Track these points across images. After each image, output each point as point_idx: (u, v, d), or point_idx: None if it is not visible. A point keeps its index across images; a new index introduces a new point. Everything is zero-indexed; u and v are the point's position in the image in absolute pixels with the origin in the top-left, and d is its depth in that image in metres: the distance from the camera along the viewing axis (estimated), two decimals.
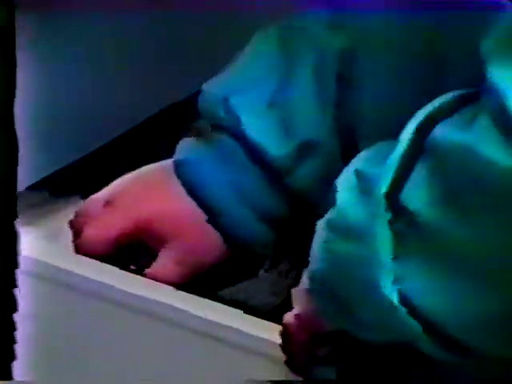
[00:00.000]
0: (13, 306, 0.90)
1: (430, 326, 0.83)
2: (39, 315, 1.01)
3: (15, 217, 0.87)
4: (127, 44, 1.13)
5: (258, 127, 1.01)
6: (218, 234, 1.04)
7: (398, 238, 0.83)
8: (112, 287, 0.96)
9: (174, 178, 1.04)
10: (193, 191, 1.04)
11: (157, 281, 1.01)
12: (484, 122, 0.82)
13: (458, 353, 0.84)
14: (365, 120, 1.00)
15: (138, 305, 0.95)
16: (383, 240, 0.84)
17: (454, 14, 0.93)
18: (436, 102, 0.87)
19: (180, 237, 1.05)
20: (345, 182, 0.88)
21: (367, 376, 0.93)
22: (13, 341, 0.92)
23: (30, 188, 1.12)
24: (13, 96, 0.89)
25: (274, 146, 1.00)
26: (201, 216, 1.04)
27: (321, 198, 0.95)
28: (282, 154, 1.00)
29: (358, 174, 0.86)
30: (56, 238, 1.06)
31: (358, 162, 0.88)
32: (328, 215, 0.87)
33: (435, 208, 0.84)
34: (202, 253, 1.06)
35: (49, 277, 0.99)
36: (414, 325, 0.82)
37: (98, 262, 1.00)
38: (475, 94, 0.84)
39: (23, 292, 0.98)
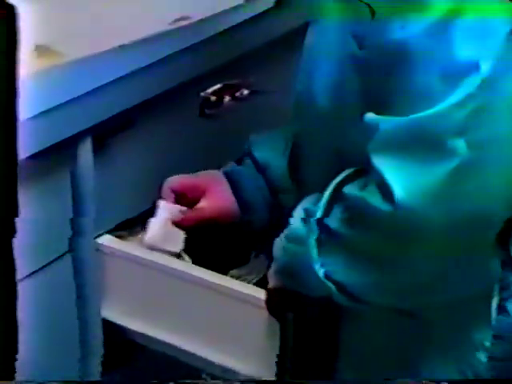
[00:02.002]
0: (13, 309, 0.93)
1: (340, 288, 1.13)
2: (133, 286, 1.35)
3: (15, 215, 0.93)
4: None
5: (262, 155, 1.40)
6: (237, 206, 1.41)
7: (323, 243, 1.14)
8: (174, 269, 1.34)
9: (222, 175, 1.41)
10: (229, 181, 1.41)
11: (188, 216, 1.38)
12: (372, 188, 1.09)
13: (354, 302, 1.14)
14: (306, 179, 1.31)
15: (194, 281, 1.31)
16: (314, 244, 1.14)
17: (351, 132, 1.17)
18: (344, 173, 1.16)
19: (214, 195, 1.42)
20: (297, 214, 1.19)
21: (308, 314, 1.25)
22: (15, 341, 0.93)
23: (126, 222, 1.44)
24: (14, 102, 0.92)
25: (276, 165, 1.37)
26: (231, 194, 1.41)
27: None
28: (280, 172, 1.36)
29: (305, 210, 1.17)
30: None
31: (304, 203, 1.19)
32: (285, 231, 1.19)
33: (345, 227, 1.13)
34: (222, 208, 1.42)
35: (145, 264, 1.35)
36: (333, 288, 1.13)
37: (164, 256, 1.34)
38: (365, 170, 1.12)
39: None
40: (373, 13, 1.11)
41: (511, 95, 1.10)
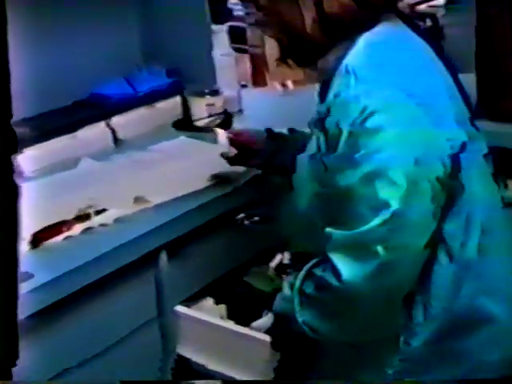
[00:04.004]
0: (14, 311, 0.80)
1: (312, 330, 1.29)
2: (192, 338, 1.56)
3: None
4: None
5: None
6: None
7: (302, 302, 1.29)
8: (218, 325, 1.55)
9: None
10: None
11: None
12: (329, 271, 1.24)
13: (320, 337, 1.30)
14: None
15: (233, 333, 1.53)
16: (297, 303, 1.29)
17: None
18: (313, 261, 1.29)
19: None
20: (285, 285, 1.34)
21: (296, 344, 1.41)
22: (16, 342, 0.79)
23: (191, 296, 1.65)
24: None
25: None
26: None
27: None
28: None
29: (290, 283, 1.32)
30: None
31: (289, 278, 1.34)
32: (279, 294, 1.35)
33: (315, 293, 1.28)
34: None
35: (203, 322, 1.55)
36: (307, 330, 1.29)
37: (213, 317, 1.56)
38: (325, 260, 1.26)
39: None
40: (326, 168, 1.28)
41: (412, 220, 1.21)
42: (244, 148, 1.63)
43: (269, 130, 1.62)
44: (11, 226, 0.75)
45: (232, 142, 1.64)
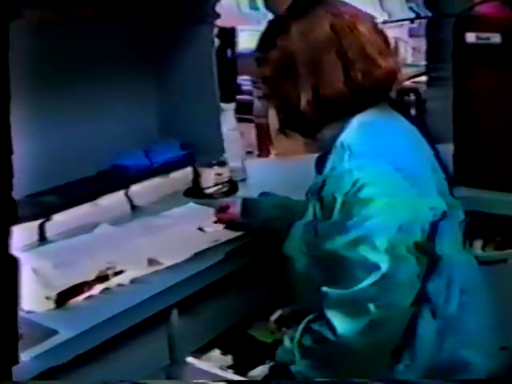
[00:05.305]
0: (14, 311, 0.77)
1: (304, 378, 1.34)
2: None
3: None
4: None
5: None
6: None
7: (301, 353, 1.34)
8: (219, 375, 1.60)
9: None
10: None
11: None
12: (324, 326, 1.28)
13: (307, 379, 1.37)
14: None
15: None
16: (295, 353, 1.35)
17: None
18: (310, 316, 1.32)
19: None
20: (286, 337, 1.38)
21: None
22: (15, 343, 0.75)
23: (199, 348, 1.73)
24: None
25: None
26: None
27: None
28: None
29: (290, 336, 1.35)
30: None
31: (289, 331, 1.39)
32: (280, 346, 1.40)
33: (312, 346, 1.32)
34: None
35: (206, 372, 1.62)
36: (299, 376, 1.33)
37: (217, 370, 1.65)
38: (322, 315, 1.30)
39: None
40: (316, 233, 1.32)
41: (400, 281, 1.24)
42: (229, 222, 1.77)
43: (243, 204, 1.71)
44: (8, 294, 0.74)
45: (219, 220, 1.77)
